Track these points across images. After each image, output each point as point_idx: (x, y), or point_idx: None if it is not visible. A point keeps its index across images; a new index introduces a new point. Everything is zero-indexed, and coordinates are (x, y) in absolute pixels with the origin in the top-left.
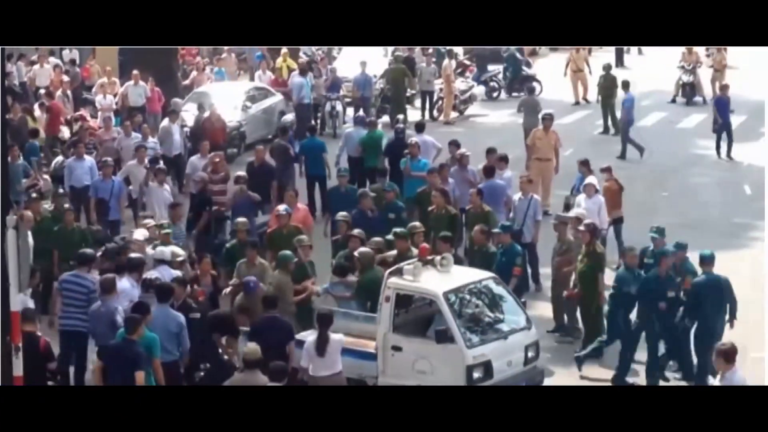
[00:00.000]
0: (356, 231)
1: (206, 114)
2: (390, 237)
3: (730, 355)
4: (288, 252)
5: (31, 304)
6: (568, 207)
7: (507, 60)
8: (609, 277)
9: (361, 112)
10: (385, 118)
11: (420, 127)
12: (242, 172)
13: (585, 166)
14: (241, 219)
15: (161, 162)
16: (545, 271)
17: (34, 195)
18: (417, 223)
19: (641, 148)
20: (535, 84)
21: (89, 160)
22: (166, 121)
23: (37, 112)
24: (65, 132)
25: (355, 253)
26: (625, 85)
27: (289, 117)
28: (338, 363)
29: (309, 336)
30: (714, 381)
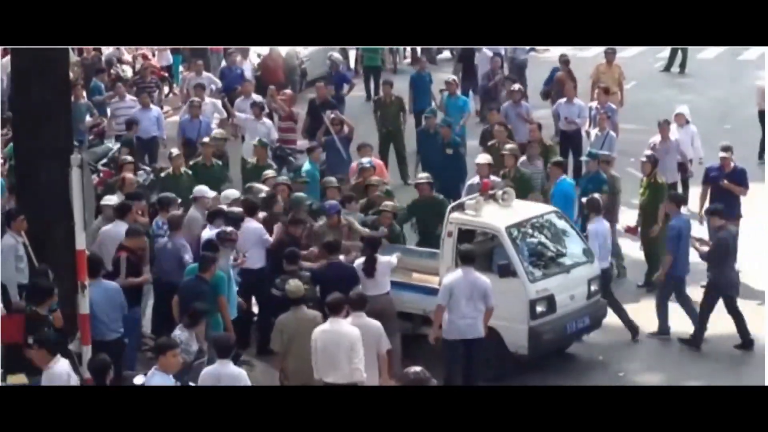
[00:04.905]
0: (375, 179)
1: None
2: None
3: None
4: (334, 201)
5: None
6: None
7: None
8: None
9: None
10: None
11: None
12: None
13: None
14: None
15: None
16: None
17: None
18: (511, 145)
19: None
20: None
21: (155, 109)
22: (224, 62)
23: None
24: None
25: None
26: None
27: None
28: (387, 284)
29: (358, 260)
30: None
